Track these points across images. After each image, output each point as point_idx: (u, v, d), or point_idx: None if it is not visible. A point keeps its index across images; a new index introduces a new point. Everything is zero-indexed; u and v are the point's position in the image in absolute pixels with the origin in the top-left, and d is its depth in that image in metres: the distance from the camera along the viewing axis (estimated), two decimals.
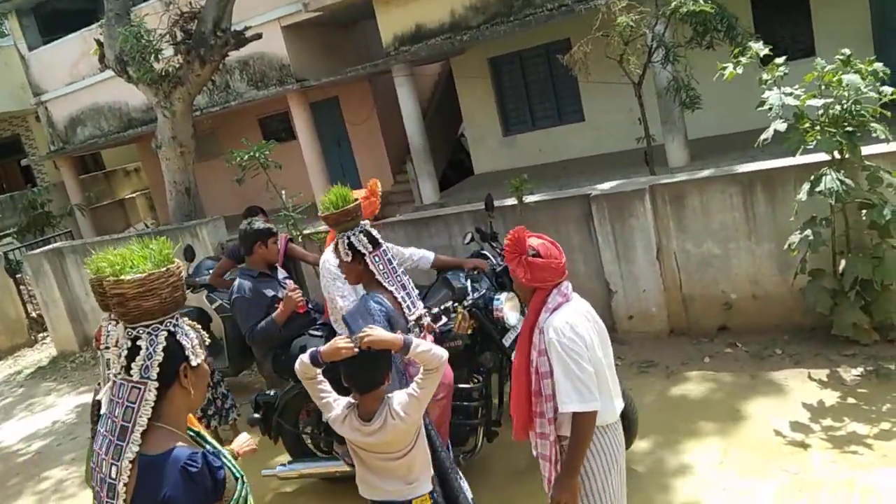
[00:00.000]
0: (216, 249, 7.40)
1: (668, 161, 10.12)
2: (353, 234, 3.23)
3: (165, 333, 1.81)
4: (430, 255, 4.61)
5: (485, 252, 5.10)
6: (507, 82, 13.72)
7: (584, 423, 2.47)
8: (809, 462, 3.65)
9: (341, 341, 2.58)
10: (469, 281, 4.28)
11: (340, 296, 4.13)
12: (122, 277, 1.77)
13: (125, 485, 1.72)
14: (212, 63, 8.17)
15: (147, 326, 1.80)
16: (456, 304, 3.88)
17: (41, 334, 10.36)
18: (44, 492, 5.51)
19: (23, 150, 20.38)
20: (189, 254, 6.13)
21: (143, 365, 1.78)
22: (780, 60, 4.39)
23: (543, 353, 2.52)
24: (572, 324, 2.49)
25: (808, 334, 4.94)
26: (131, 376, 1.79)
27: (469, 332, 3.89)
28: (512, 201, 5.80)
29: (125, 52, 8.13)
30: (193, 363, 1.84)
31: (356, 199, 3.30)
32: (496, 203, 5.29)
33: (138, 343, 1.79)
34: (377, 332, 2.60)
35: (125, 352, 1.80)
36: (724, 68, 4.59)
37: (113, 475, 1.74)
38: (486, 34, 11.36)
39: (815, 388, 4.34)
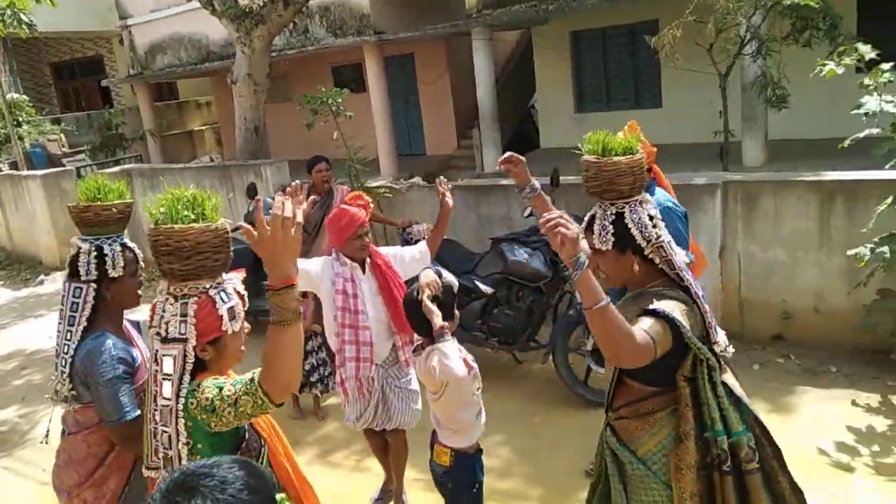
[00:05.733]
0: (277, 190, 7.49)
1: (744, 159, 9.76)
2: (109, 244, 2.39)
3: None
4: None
5: None
6: (587, 59, 13.39)
7: None
8: (850, 486, 3.53)
9: (426, 274, 2.93)
10: (526, 254, 4.23)
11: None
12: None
13: None
14: (295, 5, 8.19)
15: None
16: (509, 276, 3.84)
17: None
18: None
19: (104, 70, 20.97)
20: (252, 191, 6.22)
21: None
22: (886, 66, 4.14)
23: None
24: None
25: (868, 356, 4.74)
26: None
27: None
28: (577, 179, 5.68)
29: None
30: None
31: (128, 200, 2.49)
32: (561, 179, 5.19)
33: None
34: (427, 302, 2.81)
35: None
36: (824, 65, 4.34)
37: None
38: (572, 6, 11.06)
39: (866, 412, 4.18)
